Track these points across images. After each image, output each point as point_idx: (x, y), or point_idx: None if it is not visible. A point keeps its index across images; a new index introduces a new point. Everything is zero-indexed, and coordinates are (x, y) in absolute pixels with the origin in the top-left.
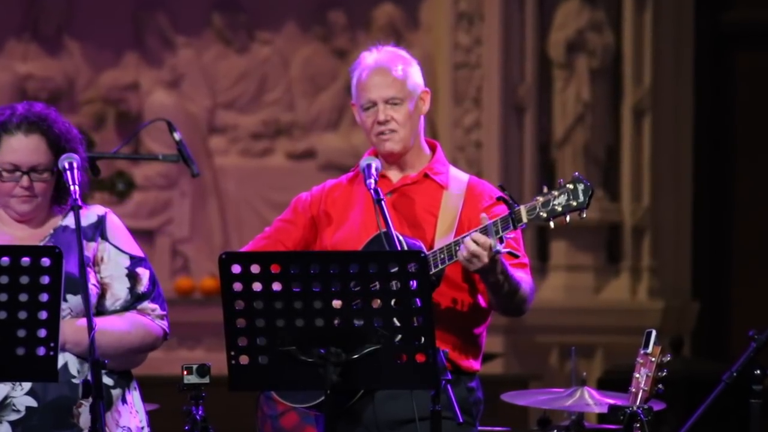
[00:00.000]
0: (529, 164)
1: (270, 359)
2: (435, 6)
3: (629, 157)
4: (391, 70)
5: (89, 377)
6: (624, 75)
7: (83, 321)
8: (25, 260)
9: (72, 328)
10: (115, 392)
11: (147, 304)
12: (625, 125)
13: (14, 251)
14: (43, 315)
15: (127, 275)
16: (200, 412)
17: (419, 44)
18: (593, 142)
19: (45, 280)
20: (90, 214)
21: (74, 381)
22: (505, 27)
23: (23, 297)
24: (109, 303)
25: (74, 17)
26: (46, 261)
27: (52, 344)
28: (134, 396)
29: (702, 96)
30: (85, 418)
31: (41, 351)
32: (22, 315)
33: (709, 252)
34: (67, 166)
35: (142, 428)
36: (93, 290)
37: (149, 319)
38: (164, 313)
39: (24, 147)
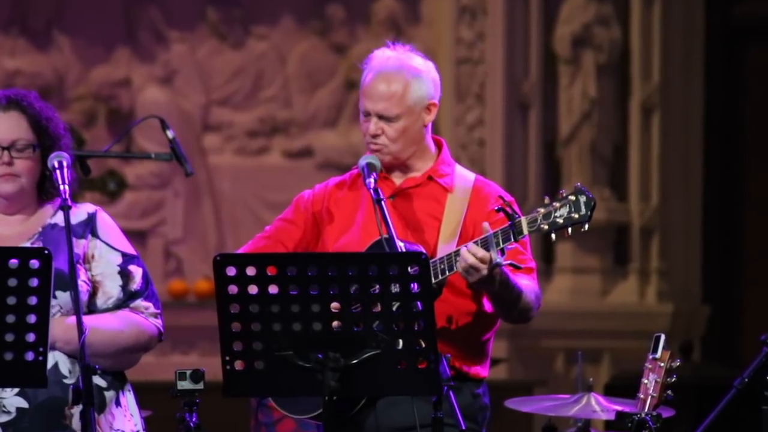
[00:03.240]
0: (533, 163)
1: (266, 364)
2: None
3: (637, 155)
4: (392, 83)
5: (80, 383)
6: (632, 71)
7: (74, 319)
8: (13, 262)
9: (62, 326)
10: (109, 394)
11: (140, 302)
12: (633, 123)
13: (2, 253)
14: (31, 318)
15: (119, 273)
16: (194, 419)
17: (420, 39)
18: (600, 140)
19: (34, 282)
20: (80, 212)
21: (66, 381)
22: (508, 21)
23: (11, 300)
24: (101, 301)
25: (64, 11)
26: (34, 263)
27: (41, 349)
28: (128, 398)
29: (713, 92)
30: (77, 420)
31: (30, 356)
32: (10, 318)
33: (720, 254)
34: (56, 165)
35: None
36: (83, 287)
37: (143, 318)
38: (158, 311)
39: (2, 123)
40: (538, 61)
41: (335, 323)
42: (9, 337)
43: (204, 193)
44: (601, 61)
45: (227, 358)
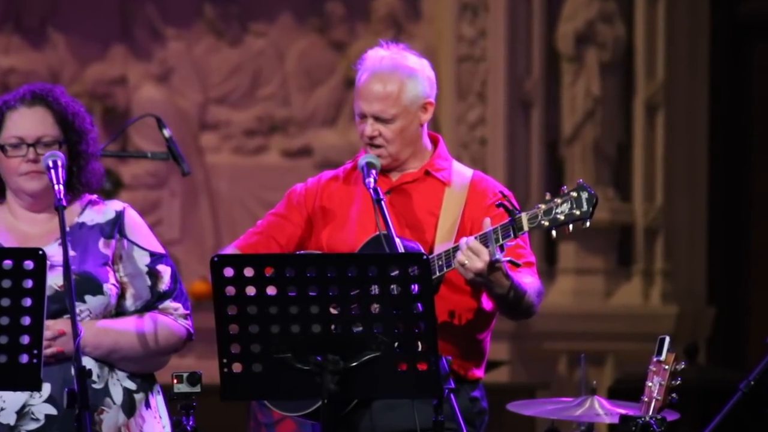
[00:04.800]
0: (536, 162)
1: (264, 367)
2: None
3: (641, 154)
4: (387, 83)
5: (74, 385)
6: (636, 69)
7: (103, 323)
8: (8, 263)
9: (92, 330)
10: (138, 396)
11: (169, 303)
12: (637, 121)
13: None
14: (26, 321)
15: (148, 273)
16: (191, 423)
17: (421, 36)
18: (603, 139)
19: (28, 283)
20: (107, 210)
21: (95, 386)
22: (511, 18)
23: (5, 302)
24: (130, 303)
25: (59, 8)
26: (29, 264)
27: (35, 351)
28: (158, 400)
29: (718, 90)
30: (107, 425)
31: (24, 359)
32: (4, 321)
33: (726, 254)
34: (51, 164)
35: None
36: (112, 290)
37: (172, 319)
38: (187, 312)
39: (27, 119)
40: (541, 59)
41: (334, 325)
42: (2, 340)
43: (201, 192)
44: (604, 59)
45: (225, 360)
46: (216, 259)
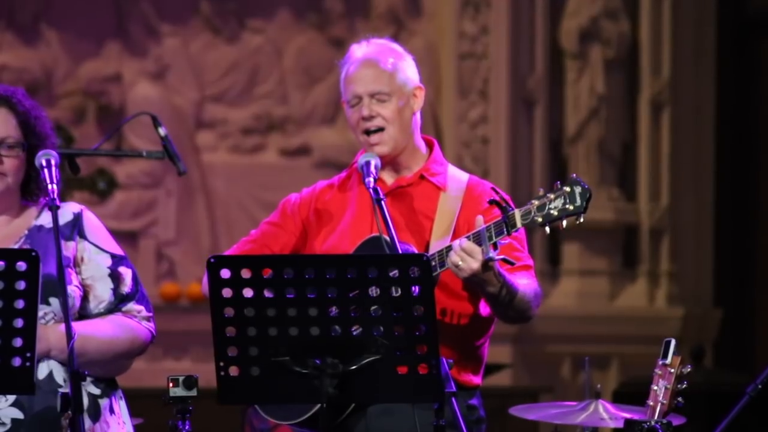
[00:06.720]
0: (539, 161)
1: (262, 370)
2: None
3: (646, 153)
4: (379, 63)
5: (68, 390)
6: (641, 66)
7: None
8: (0, 264)
9: (57, 334)
10: (103, 402)
11: (132, 306)
12: (642, 120)
13: None
14: (18, 323)
15: (110, 275)
16: (187, 427)
17: (422, 33)
18: (608, 138)
19: (21, 285)
20: (65, 212)
21: (61, 390)
22: (513, 14)
23: None
24: (93, 305)
25: (52, 4)
26: (21, 265)
27: (28, 354)
28: (121, 405)
29: (724, 88)
30: None
31: (17, 361)
32: None
33: (732, 256)
34: (44, 163)
35: None
36: (75, 292)
37: (136, 322)
38: (150, 314)
39: None
40: (544, 56)
41: (333, 327)
42: None
43: (197, 192)
44: (609, 56)
45: (221, 363)
46: (213, 260)
